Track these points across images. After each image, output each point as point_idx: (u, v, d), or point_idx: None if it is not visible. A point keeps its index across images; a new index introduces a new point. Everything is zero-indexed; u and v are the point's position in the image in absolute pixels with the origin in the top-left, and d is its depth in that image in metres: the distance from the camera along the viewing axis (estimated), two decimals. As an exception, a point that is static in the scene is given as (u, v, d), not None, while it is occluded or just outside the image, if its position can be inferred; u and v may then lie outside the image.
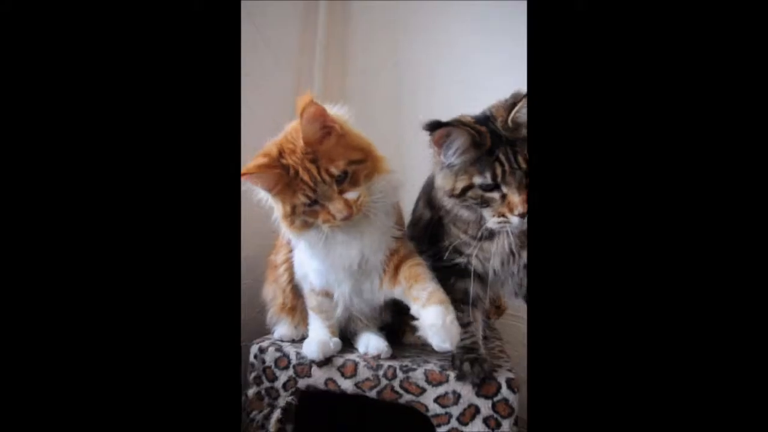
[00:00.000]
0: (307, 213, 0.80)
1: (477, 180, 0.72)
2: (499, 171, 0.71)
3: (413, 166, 0.98)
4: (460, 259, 0.87)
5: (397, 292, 0.86)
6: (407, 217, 1.03)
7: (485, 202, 0.73)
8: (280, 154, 0.79)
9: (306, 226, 0.82)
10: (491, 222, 0.74)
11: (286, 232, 0.86)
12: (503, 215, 0.72)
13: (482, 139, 0.71)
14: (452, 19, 1.56)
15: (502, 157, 0.70)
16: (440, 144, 0.74)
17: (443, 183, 0.78)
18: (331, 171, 0.77)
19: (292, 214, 0.81)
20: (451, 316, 0.75)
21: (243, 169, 0.76)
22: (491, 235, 0.80)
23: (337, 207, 0.77)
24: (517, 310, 1.40)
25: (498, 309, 1.18)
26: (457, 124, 0.71)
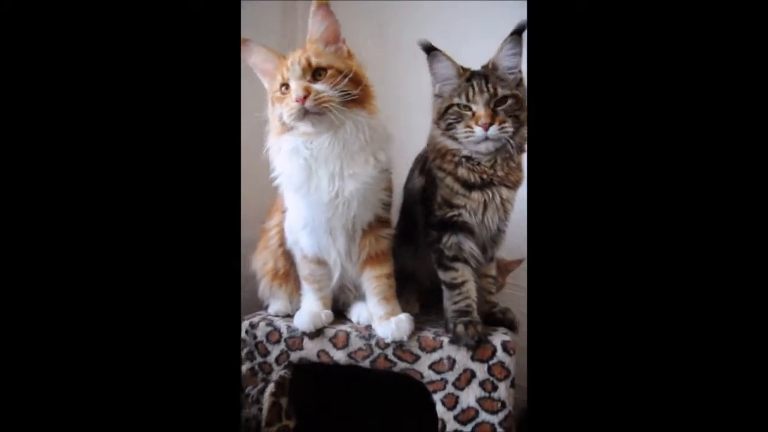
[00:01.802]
0: (279, 98, 0.83)
1: (455, 100, 0.86)
2: (470, 93, 0.85)
3: (401, 145, 0.95)
4: (452, 212, 0.87)
5: (363, 283, 0.92)
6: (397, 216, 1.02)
7: (460, 118, 0.86)
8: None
9: (282, 125, 0.84)
10: (462, 135, 0.85)
11: (271, 143, 0.88)
12: (470, 127, 0.84)
13: (462, 71, 0.88)
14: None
15: (475, 84, 0.85)
16: (433, 70, 0.89)
17: (434, 111, 0.91)
18: (310, 60, 0.82)
19: (272, 102, 0.86)
20: (401, 328, 0.85)
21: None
22: (481, 184, 0.87)
23: (296, 86, 0.80)
24: (515, 279, 1.39)
25: (497, 283, 1.15)
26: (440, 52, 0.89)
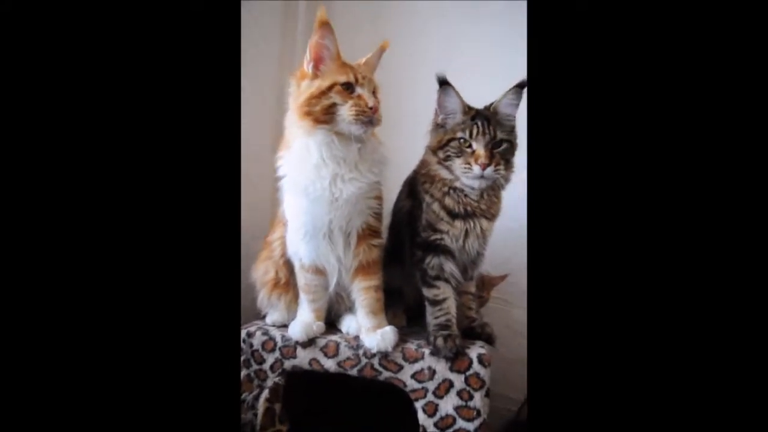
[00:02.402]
0: (340, 93, 0.89)
1: (458, 135, 0.93)
2: (474, 131, 0.91)
3: (396, 155, 1.03)
4: (435, 236, 0.95)
5: (353, 293, 1.00)
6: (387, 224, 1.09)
7: (460, 152, 0.93)
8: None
9: (318, 121, 0.89)
10: (459, 169, 0.92)
11: (295, 128, 0.93)
12: (468, 164, 0.91)
13: (469, 109, 0.95)
14: (435, 16, 1.57)
15: (479, 123, 0.92)
16: (441, 102, 0.95)
17: (433, 139, 0.98)
18: (373, 80, 0.95)
19: (321, 96, 0.89)
20: (387, 339, 0.92)
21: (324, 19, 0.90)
22: (464, 215, 0.94)
23: (369, 96, 0.91)
24: (502, 293, 1.45)
25: (481, 298, 1.22)
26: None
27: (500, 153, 0.92)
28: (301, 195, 0.93)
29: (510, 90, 0.92)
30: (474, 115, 0.93)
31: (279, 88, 1.53)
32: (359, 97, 0.89)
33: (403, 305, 1.09)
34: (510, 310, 1.46)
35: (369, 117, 0.89)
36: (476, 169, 0.90)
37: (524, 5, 1.32)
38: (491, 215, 0.96)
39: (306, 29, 1.61)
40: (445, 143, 0.94)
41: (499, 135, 0.91)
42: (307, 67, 0.92)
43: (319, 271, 0.99)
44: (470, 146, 0.91)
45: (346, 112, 0.88)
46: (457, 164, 0.92)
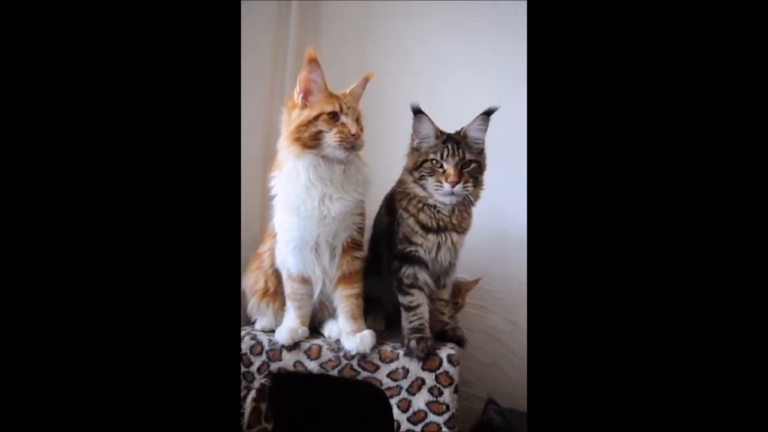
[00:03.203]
0: (326, 121, 0.99)
1: (431, 156, 1.02)
2: (444, 153, 1.01)
3: (377, 174, 1.12)
4: (410, 248, 1.04)
5: (336, 300, 1.08)
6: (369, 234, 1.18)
7: (432, 172, 1.02)
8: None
9: (306, 147, 0.99)
10: (431, 187, 1.02)
11: (286, 152, 1.02)
12: (440, 182, 1.00)
13: (441, 134, 1.05)
14: (422, 30, 1.65)
15: (449, 146, 1.01)
16: (416, 128, 1.05)
17: (409, 161, 1.07)
18: (357, 109, 1.05)
19: (308, 124, 0.99)
20: (365, 342, 1.00)
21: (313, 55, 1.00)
22: (436, 229, 1.03)
23: (352, 123, 1.00)
24: (477, 299, 1.54)
25: (456, 304, 1.32)
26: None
27: (469, 172, 1.01)
28: (292, 212, 1.02)
29: (478, 117, 1.03)
30: (445, 139, 1.03)
31: (270, 92, 1.63)
32: (343, 124, 0.99)
33: (381, 311, 1.17)
34: (485, 315, 1.55)
35: (351, 143, 0.99)
36: (446, 186, 0.99)
37: (506, 32, 1.41)
38: (462, 229, 1.05)
39: (298, 30, 1.67)
40: (419, 164, 1.03)
41: (468, 156, 1.01)
42: (297, 98, 1.02)
43: (306, 281, 1.08)
44: (441, 166, 1.01)
45: (331, 138, 0.98)
46: (430, 182, 1.01)
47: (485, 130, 1.04)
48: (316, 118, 0.99)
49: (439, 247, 1.03)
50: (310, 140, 0.99)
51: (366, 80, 1.10)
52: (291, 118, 1.02)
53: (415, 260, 1.04)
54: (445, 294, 1.13)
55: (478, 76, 1.57)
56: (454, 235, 1.04)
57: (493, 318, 1.54)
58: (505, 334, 1.51)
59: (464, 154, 1.01)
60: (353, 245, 1.07)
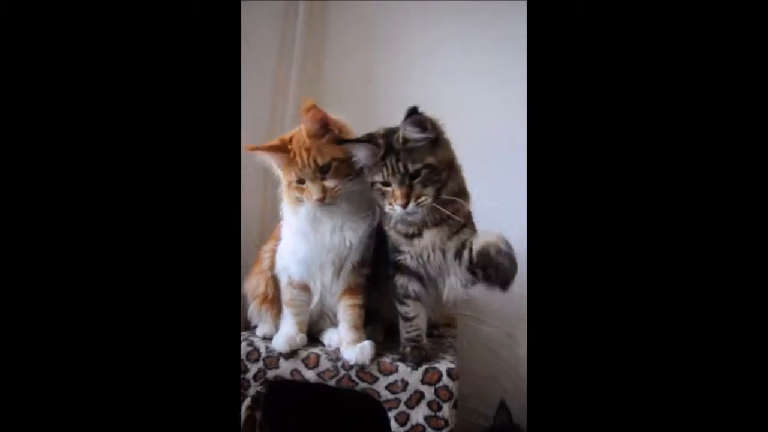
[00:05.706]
0: (297, 188, 1.02)
1: (376, 178, 0.94)
2: (386, 173, 0.92)
3: None
4: (399, 256, 1.01)
5: (338, 310, 1.08)
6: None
7: (384, 194, 0.95)
8: (290, 140, 1.02)
9: (297, 200, 1.03)
10: (387, 209, 0.95)
11: (285, 203, 1.07)
12: (391, 204, 0.93)
13: (377, 150, 0.93)
14: (426, 39, 1.66)
15: (389, 164, 0.91)
16: (355, 158, 0.97)
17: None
18: (316, 160, 0.99)
19: (288, 187, 1.04)
20: (364, 353, 0.99)
21: (261, 146, 1.03)
22: (418, 232, 0.98)
23: (313, 188, 0.99)
24: (475, 311, 1.53)
25: (449, 326, 1.32)
26: (354, 141, 0.97)
27: (421, 182, 0.90)
28: (300, 237, 1.05)
29: (404, 120, 0.89)
30: (383, 154, 0.91)
31: (274, 96, 1.62)
32: (308, 190, 1.00)
33: (381, 323, 1.16)
34: (480, 327, 1.54)
35: (321, 203, 1.00)
36: (398, 208, 0.91)
37: (511, 39, 1.40)
38: (441, 221, 0.96)
39: (306, 29, 1.66)
40: (371, 186, 0.96)
41: (412, 166, 0.89)
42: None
43: (306, 288, 1.08)
44: (389, 185, 0.92)
45: (306, 200, 1.01)
46: (385, 205, 0.94)
47: (421, 130, 0.90)
48: (289, 185, 1.04)
49: (426, 249, 0.98)
50: (295, 200, 1.04)
51: (307, 111, 0.98)
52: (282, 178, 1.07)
53: (404, 270, 1.01)
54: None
55: (482, 82, 1.58)
56: (434, 230, 0.96)
57: (486, 330, 1.54)
58: (503, 347, 1.51)
59: (407, 166, 0.89)
60: (361, 264, 1.08)
